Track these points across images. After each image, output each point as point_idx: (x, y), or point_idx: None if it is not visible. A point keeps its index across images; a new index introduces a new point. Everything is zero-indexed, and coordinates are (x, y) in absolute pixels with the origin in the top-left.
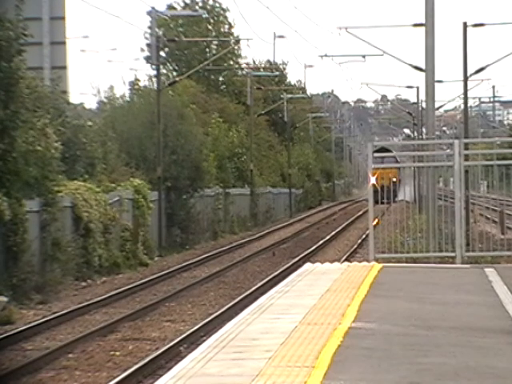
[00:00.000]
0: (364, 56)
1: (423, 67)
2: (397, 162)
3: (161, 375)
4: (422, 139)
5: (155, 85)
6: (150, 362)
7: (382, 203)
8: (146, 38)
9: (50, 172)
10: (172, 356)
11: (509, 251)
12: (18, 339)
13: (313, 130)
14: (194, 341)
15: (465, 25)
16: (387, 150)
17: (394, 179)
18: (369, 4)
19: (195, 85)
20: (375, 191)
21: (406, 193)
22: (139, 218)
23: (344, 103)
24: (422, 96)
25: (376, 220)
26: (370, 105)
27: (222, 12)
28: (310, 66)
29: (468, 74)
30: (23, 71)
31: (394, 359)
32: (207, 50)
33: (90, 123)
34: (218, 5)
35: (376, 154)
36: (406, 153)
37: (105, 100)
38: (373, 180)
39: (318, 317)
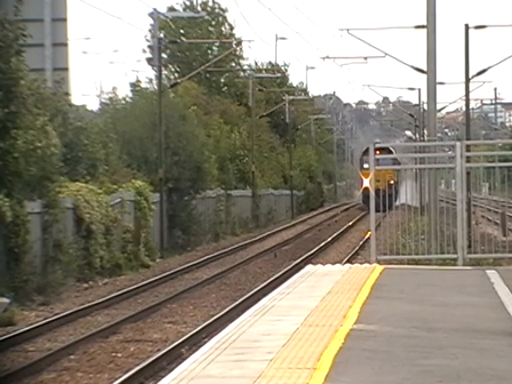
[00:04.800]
0: (366, 58)
1: (425, 69)
2: (397, 162)
3: (162, 377)
4: (423, 141)
5: (156, 86)
6: (152, 363)
7: (384, 211)
8: (148, 40)
9: (51, 173)
10: (174, 357)
11: (510, 253)
12: (20, 340)
13: (314, 131)
14: (195, 342)
15: (466, 27)
16: (386, 150)
17: (392, 181)
18: (370, 6)
19: (197, 86)
20: (367, 196)
21: (407, 195)
22: (141, 220)
23: (346, 105)
24: (424, 98)
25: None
26: (371, 106)
27: (221, 13)
28: (312, 68)
29: (470, 76)
30: (24, 72)
31: (396, 361)
32: (209, 51)
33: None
34: (217, 6)
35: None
36: (407, 154)
37: (107, 101)
38: (366, 183)
39: (319, 318)
